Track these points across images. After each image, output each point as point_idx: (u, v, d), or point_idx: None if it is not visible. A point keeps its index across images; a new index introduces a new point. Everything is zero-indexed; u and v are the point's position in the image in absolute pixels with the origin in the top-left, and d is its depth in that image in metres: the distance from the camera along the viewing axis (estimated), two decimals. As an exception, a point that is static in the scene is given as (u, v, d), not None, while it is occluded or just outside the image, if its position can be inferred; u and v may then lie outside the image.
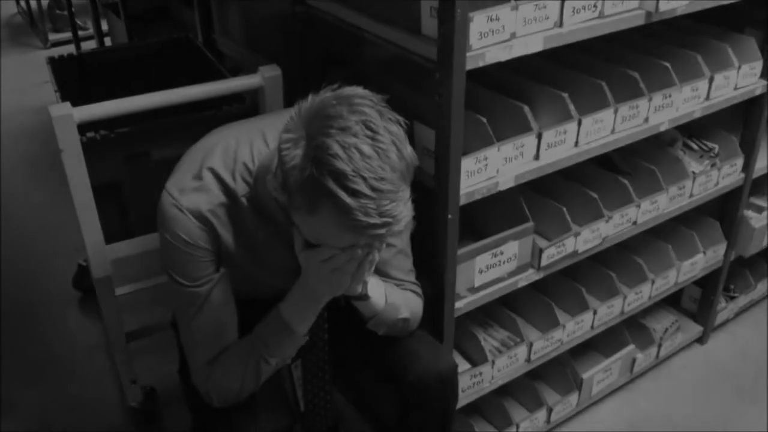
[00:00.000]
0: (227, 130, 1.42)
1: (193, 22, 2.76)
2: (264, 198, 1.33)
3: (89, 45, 4.65)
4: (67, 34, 4.99)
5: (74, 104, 1.78)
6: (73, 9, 4.51)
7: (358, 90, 1.15)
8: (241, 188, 1.34)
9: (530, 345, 1.94)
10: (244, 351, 1.40)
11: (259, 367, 1.40)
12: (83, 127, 1.81)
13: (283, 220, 1.34)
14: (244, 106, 2.00)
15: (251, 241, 1.39)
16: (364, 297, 1.41)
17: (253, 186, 1.34)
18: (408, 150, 1.14)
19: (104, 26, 4.10)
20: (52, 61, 2.36)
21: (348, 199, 1.07)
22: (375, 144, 1.09)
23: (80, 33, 4.65)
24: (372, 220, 1.09)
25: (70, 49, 4.47)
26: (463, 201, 1.56)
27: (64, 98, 1.91)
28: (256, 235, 1.38)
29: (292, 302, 1.38)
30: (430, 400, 1.52)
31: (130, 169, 1.96)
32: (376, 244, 1.25)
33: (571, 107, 1.69)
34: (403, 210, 1.13)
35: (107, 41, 4.07)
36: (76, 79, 2.40)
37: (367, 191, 1.07)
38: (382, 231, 1.12)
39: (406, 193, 1.14)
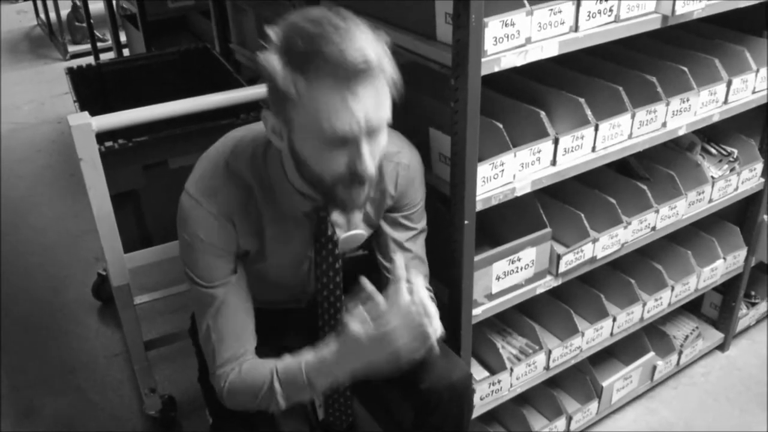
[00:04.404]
0: (240, 132, 1.44)
1: (211, 32, 2.79)
2: (273, 176, 1.34)
3: (108, 56, 4.70)
4: (86, 46, 5.06)
5: (93, 114, 1.80)
6: (92, 20, 4.57)
7: None
8: (254, 179, 1.35)
9: (549, 352, 1.92)
10: (260, 383, 1.36)
11: (272, 403, 1.37)
12: (102, 137, 1.82)
13: (295, 204, 1.36)
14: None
15: (266, 236, 1.40)
16: None
17: (263, 166, 1.35)
18: (388, 53, 1.18)
19: (123, 37, 4.15)
20: (71, 72, 2.39)
21: (325, 48, 1.12)
22: (345, 22, 1.15)
23: (99, 44, 4.71)
24: (350, 57, 1.12)
25: (89, 60, 4.52)
26: (479, 207, 1.56)
27: (82, 108, 1.93)
28: (271, 231, 1.39)
29: (319, 367, 1.32)
30: (444, 409, 1.51)
31: (149, 178, 1.97)
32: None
33: (588, 112, 1.69)
34: (383, 57, 1.16)
35: (126, 52, 4.11)
36: (94, 89, 2.43)
37: (337, 37, 1.12)
38: (365, 71, 1.13)
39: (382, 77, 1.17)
